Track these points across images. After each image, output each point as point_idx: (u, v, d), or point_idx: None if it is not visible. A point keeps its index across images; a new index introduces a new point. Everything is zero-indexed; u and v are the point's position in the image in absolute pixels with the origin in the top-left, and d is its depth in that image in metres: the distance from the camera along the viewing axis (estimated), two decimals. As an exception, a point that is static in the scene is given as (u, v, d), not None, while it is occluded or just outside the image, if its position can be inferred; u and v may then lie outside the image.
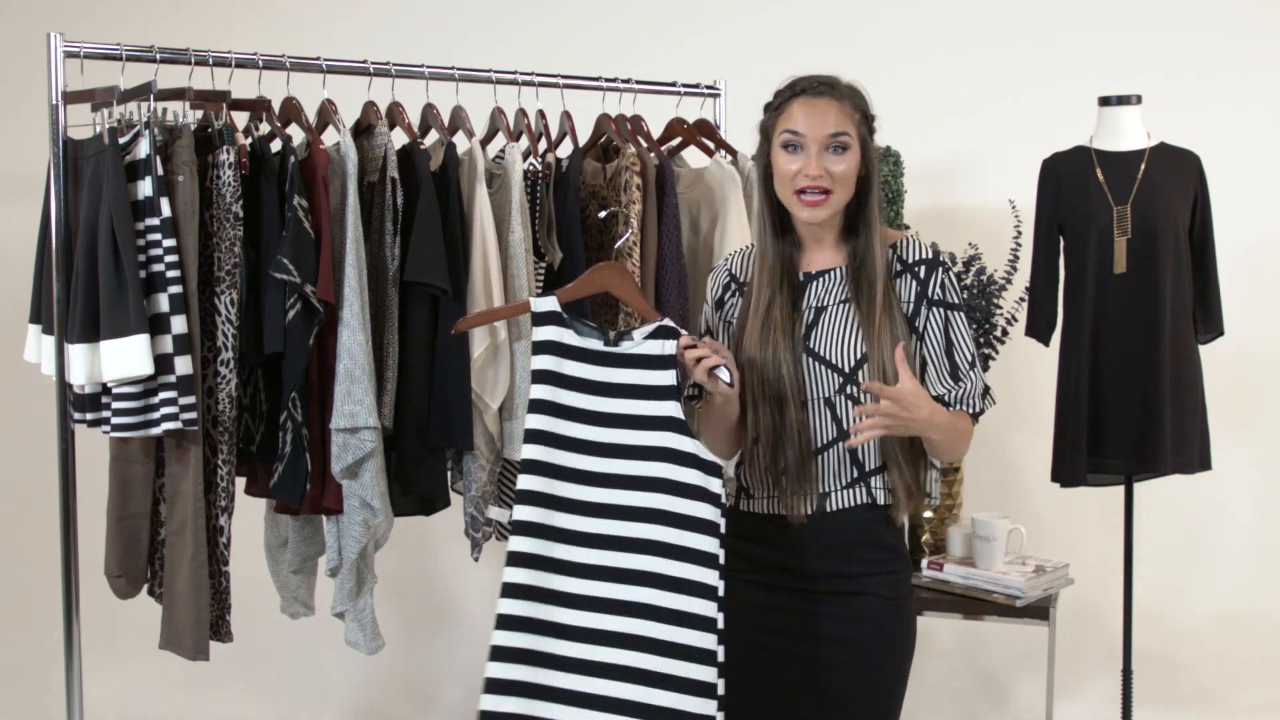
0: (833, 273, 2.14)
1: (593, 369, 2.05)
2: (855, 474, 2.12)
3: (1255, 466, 4.09)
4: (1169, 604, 4.02)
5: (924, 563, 3.24)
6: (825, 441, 2.11)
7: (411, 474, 2.89)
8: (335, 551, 2.83)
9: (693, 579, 1.95)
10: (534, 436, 2.02)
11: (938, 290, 2.12)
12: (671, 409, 2.00)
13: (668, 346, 2.03)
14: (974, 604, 3.11)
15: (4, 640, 4.02)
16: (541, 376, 2.04)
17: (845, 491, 2.12)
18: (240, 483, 2.92)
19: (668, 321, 2.05)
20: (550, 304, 2.08)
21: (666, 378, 2.02)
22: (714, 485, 1.97)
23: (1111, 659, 3.62)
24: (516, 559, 1.99)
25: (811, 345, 2.11)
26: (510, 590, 1.98)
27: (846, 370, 2.08)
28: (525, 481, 2.01)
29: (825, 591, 2.13)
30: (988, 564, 3.14)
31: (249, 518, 3.09)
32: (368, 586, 2.87)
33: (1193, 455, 3.14)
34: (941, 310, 2.12)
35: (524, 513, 2.00)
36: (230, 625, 2.79)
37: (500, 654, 1.97)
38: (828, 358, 2.10)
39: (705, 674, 1.93)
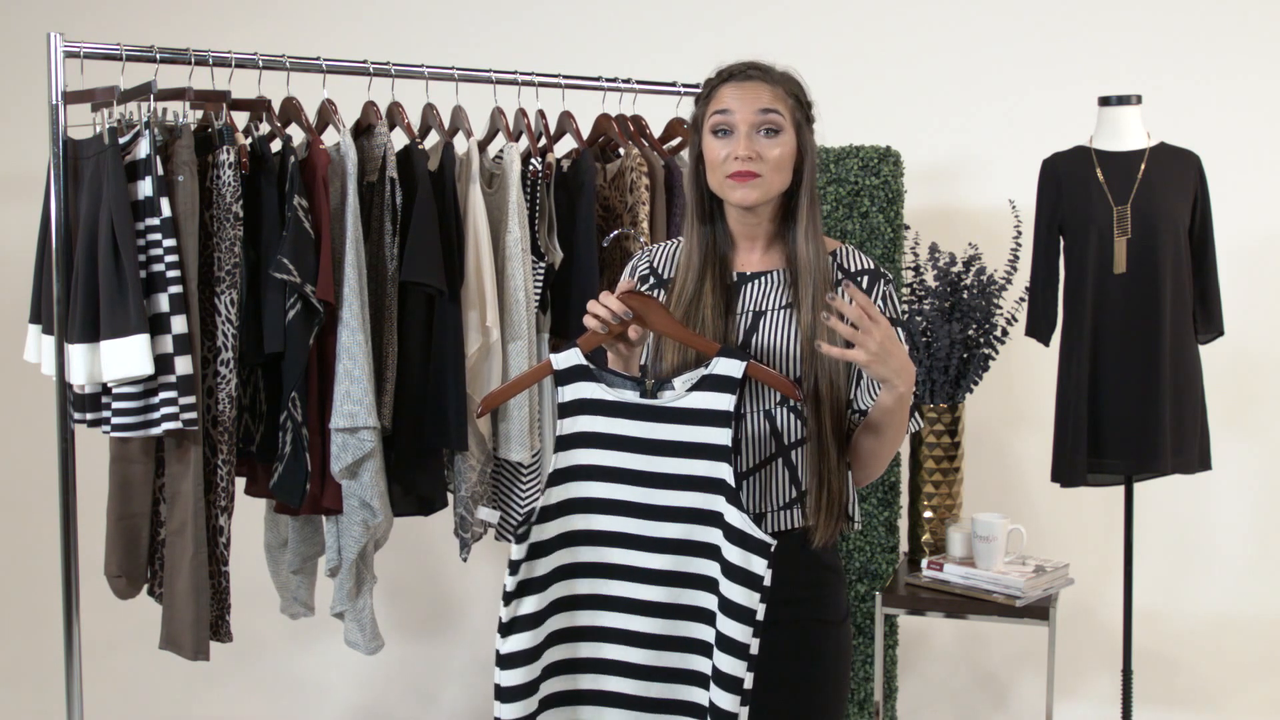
0: (771, 275, 1.97)
1: (637, 425, 1.83)
2: (795, 493, 1.92)
3: (1255, 466, 4.09)
4: (1169, 604, 4.02)
5: (924, 563, 3.24)
6: (764, 457, 1.92)
7: (410, 474, 2.89)
8: (335, 551, 2.83)
9: (722, 669, 1.79)
10: (573, 506, 1.84)
11: (878, 302, 1.96)
12: (724, 471, 1.80)
13: (720, 400, 1.80)
14: (974, 604, 3.11)
15: (4, 640, 4.02)
16: (577, 440, 1.84)
17: (782, 513, 1.93)
18: (240, 483, 2.92)
19: (717, 368, 1.82)
20: (573, 358, 1.86)
21: (721, 435, 1.80)
22: (757, 566, 1.76)
23: (1111, 659, 3.63)
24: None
25: (751, 352, 1.94)
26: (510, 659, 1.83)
27: (789, 380, 1.90)
28: (561, 556, 1.85)
29: (766, 622, 1.85)
30: (988, 564, 3.14)
31: (249, 518, 3.10)
32: (367, 587, 2.87)
33: (1193, 455, 3.14)
34: None
35: (559, 588, 1.85)
36: (230, 625, 2.79)
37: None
38: (769, 365, 1.92)
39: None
